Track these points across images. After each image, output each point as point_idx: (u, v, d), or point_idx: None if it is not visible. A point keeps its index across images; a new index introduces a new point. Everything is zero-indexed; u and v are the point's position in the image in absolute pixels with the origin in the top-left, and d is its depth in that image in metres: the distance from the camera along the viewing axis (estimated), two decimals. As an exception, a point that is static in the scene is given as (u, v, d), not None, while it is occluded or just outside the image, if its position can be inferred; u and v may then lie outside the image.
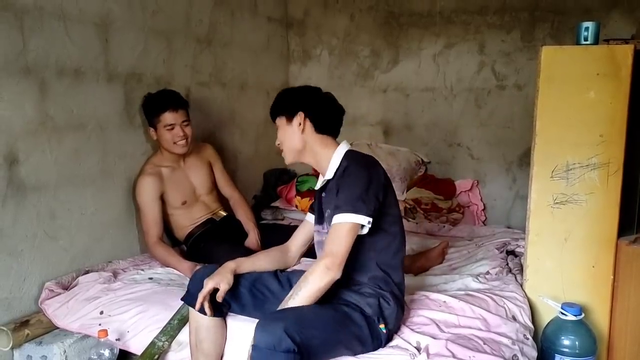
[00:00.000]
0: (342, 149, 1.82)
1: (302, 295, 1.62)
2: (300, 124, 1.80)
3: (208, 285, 1.72)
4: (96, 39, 2.33)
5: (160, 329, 1.95)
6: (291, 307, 1.62)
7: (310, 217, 1.96)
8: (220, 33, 3.18)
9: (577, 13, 3.26)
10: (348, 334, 1.66)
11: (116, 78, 2.44)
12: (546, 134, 2.06)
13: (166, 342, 1.92)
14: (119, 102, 2.48)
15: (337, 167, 1.79)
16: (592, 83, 1.99)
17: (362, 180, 1.70)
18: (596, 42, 2.02)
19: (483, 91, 3.62)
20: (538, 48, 2.08)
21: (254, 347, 1.51)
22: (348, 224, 1.65)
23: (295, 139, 1.82)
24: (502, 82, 3.57)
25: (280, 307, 1.65)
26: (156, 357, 1.91)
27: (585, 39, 2.01)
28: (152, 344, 1.92)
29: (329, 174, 1.81)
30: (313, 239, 1.94)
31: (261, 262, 1.91)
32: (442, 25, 3.65)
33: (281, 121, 1.85)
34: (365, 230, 1.69)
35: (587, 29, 2.01)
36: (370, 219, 1.67)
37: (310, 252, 2.00)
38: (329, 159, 1.81)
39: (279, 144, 1.88)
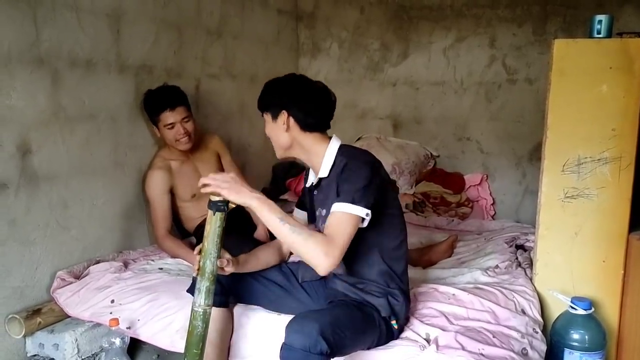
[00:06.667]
0: (335, 144, 1.72)
1: (295, 239, 1.52)
2: (284, 123, 1.71)
3: None
4: (108, 30, 2.34)
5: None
6: (323, 309, 1.60)
7: (299, 213, 1.92)
8: (230, 25, 3.18)
9: (589, 7, 3.23)
10: (371, 334, 1.68)
11: (127, 69, 2.45)
12: (558, 128, 2.05)
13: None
14: (130, 93, 2.49)
15: (331, 164, 1.70)
16: (604, 77, 1.97)
17: (364, 176, 1.61)
18: (609, 35, 1.99)
19: (493, 85, 3.60)
20: (549, 42, 2.05)
21: (287, 346, 1.45)
22: (347, 214, 1.56)
23: (282, 137, 1.74)
24: (513, 76, 3.55)
25: (270, 226, 1.58)
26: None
27: (599, 32, 1.99)
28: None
29: (323, 172, 1.72)
30: None
31: (261, 259, 1.90)
32: (452, 19, 3.64)
33: (267, 117, 1.76)
34: (365, 224, 1.61)
35: (600, 22, 1.99)
36: (369, 211, 1.58)
37: None
38: (321, 156, 1.72)
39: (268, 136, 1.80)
